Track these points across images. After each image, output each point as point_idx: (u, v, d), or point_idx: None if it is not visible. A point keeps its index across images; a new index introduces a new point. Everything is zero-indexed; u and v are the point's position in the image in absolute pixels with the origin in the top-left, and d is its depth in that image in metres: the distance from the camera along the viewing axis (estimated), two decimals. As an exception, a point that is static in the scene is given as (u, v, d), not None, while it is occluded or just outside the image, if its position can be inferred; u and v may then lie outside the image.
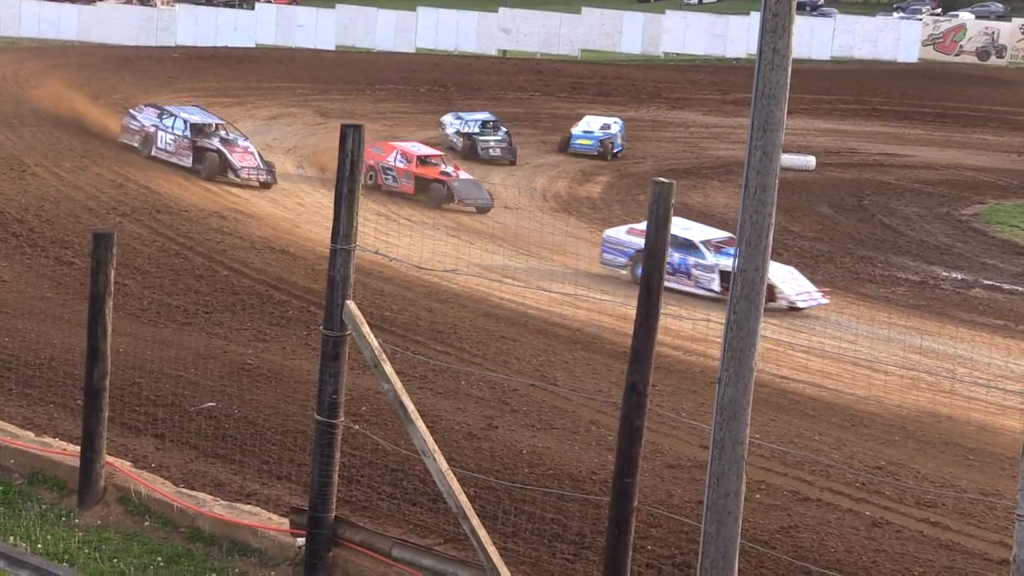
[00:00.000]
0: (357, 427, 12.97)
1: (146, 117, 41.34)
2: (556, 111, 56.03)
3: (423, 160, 41.29)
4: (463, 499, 10.09)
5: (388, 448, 13.29)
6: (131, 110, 42.69)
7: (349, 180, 10.57)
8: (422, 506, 13.02)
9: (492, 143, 48.28)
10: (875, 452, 18.95)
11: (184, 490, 12.36)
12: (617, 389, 10.67)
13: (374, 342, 10.41)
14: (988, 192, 49.39)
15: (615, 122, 52.15)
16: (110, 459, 12.35)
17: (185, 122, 40.54)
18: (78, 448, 12.36)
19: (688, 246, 31.84)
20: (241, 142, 40.59)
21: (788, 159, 45.50)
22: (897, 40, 73.52)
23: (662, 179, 9.58)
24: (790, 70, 8.01)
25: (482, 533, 10.00)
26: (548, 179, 45.81)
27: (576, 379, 21.55)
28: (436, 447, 10.25)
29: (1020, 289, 34.98)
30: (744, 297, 8.15)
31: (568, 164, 48.20)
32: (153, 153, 40.19)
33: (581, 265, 32.71)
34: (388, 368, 10.36)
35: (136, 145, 40.76)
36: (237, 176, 39.01)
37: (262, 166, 39.73)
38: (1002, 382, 24.56)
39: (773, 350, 24.30)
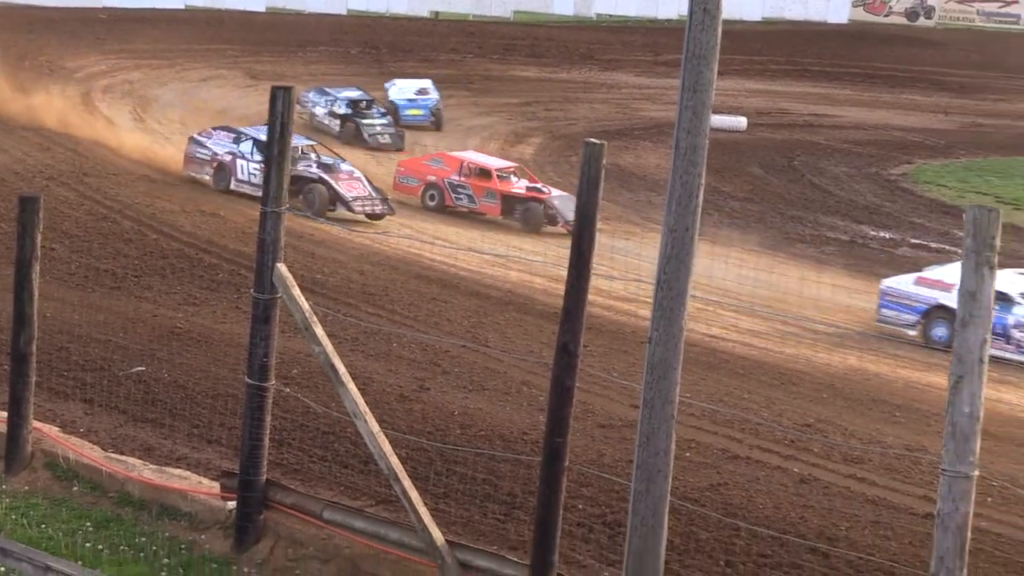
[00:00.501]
0: (288, 390, 12.95)
1: (217, 143, 33.97)
2: (489, 73, 55.90)
3: (501, 174, 34.77)
4: (394, 461, 10.11)
5: (319, 411, 13.28)
6: (196, 135, 34.96)
7: (279, 143, 10.61)
8: (354, 468, 13.03)
9: (379, 127, 42.39)
10: (803, 410, 19.14)
11: (113, 455, 12.31)
12: (548, 350, 10.70)
13: (305, 305, 10.39)
14: (916, 152, 49.84)
15: (429, 84, 47.12)
16: (37, 424, 12.27)
17: None
18: (4, 414, 12.26)
19: (1000, 300, 24.23)
20: (344, 167, 33.44)
21: (719, 120, 45.66)
22: (827, 1, 73.80)
23: (593, 140, 9.60)
24: (720, 31, 8.03)
25: (413, 495, 10.02)
26: (480, 140, 45.71)
27: (508, 340, 21.60)
28: (367, 409, 10.26)
29: (947, 247, 35.34)
30: (674, 257, 8.20)
31: (500, 126, 48.11)
32: (233, 187, 32.85)
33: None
34: (319, 331, 10.35)
35: (207, 178, 33.49)
36: (350, 210, 31.92)
37: (374, 194, 32.54)
38: (927, 340, 24.90)
39: (703, 310, 24.45)
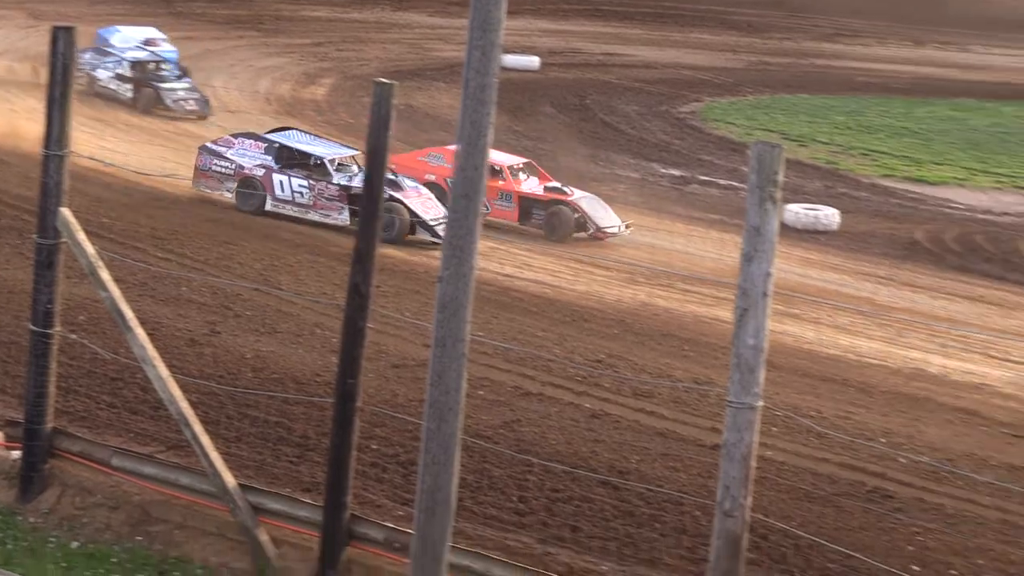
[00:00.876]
0: (74, 336, 12.69)
1: (241, 154, 27.98)
2: (279, 13, 55.17)
3: (513, 172, 29.58)
4: (184, 406, 10.00)
5: (107, 357, 13.06)
6: (210, 144, 28.85)
7: (61, 84, 10.43)
8: (143, 414, 12.86)
9: (182, 92, 37.61)
10: (595, 346, 19.41)
11: None
12: (341, 291, 10.68)
13: (90, 249, 10.20)
14: (704, 90, 50.76)
15: (156, 32, 41.50)
16: None
17: (319, 159, 27.66)
18: None
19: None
20: (408, 182, 27.36)
21: (511, 60, 45.86)
22: (617, -59, 74.52)
23: (384, 80, 9.56)
24: (509, -31, 8.04)
25: (204, 439, 9.94)
26: (272, 81, 45.16)
27: (300, 282, 21.47)
28: (156, 354, 10.13)
29: (735, 184, 36.08)
30: (463, 195, 8.21)
31: (291, 67, 47.55)
32: (269, 207, 27.25)
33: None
34: (105, 275, 10.17)
35: (228, 195, 27.69)
36: (433, 235, 25.70)
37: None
38: (716, 274, 25.43)
39: (496, 249, 24.62)
